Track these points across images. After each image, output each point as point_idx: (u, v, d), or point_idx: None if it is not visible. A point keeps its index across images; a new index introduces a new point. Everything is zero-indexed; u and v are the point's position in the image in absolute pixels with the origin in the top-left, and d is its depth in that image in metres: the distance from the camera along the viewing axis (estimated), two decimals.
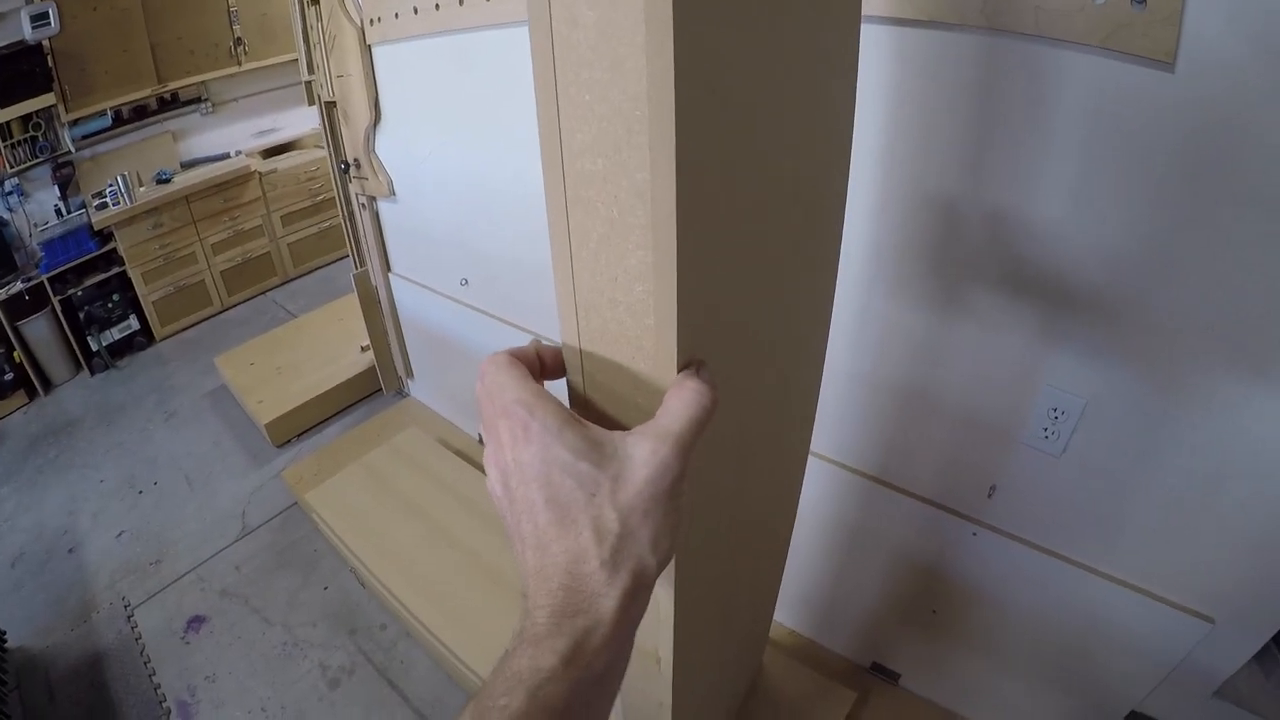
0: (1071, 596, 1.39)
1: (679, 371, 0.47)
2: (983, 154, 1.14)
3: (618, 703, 0.90)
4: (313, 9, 2.45)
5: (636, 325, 0.47)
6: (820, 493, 1.69)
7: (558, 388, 0.52)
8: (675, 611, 0.66)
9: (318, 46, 2.53)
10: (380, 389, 3.49)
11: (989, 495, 1.42)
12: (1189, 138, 0.94)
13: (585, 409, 0.53)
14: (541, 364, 0.50)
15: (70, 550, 2.99)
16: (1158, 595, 1.27)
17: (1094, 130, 1.02)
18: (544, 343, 0.51)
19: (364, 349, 3.46)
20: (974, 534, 1.47)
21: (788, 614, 2.03)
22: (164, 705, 2.25)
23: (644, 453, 0.41)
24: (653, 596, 0.62)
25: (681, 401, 0.43)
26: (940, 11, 1.07)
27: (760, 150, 0.54)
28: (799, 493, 1.29)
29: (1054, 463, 1.29)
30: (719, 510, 0.75)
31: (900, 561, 1.67)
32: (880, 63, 1.18)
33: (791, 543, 1.38)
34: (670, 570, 0.61)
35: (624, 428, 0.46)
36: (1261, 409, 1.05)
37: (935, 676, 1.80)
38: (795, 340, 0.88)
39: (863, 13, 1.07)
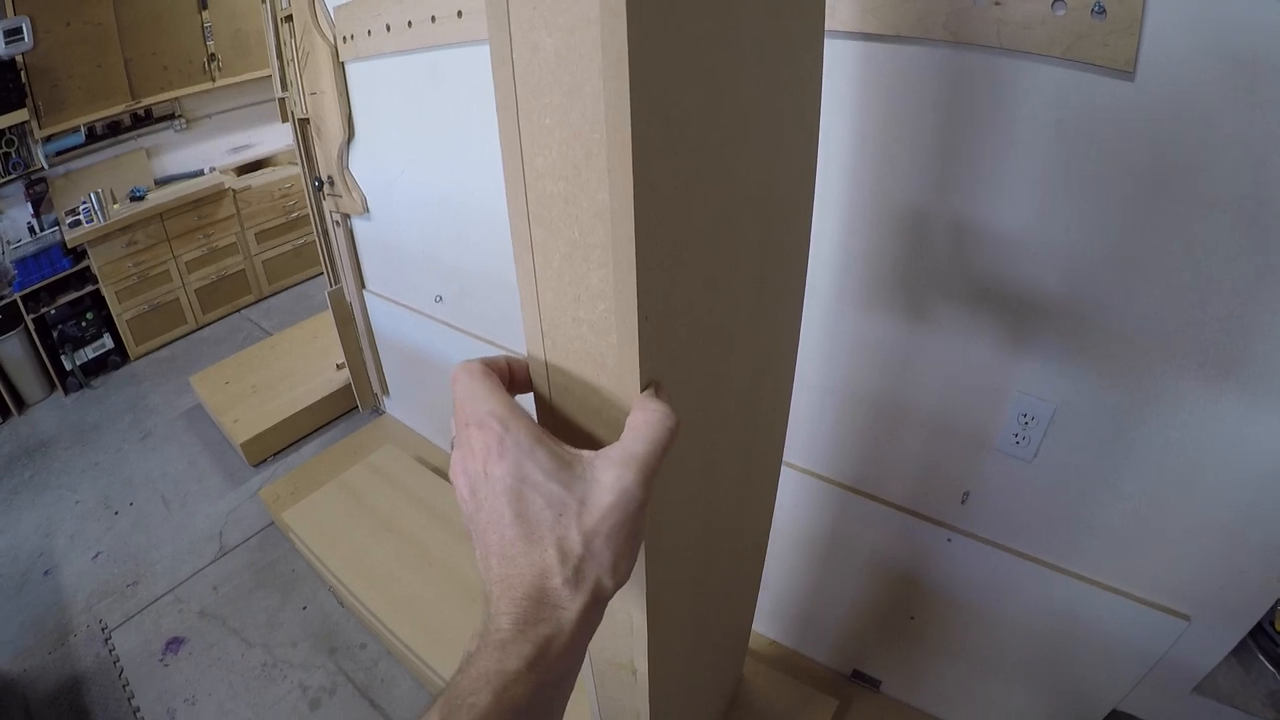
0: (1048, 599, 1.40)
1: (642, 389, 0.48)
2: (949, 166, 1.16)
3: (596, 715, 0.92)
4: (286, 26, 2.44)
5: (600, 342, 0.48)
6: (796, 503, 1.70)
7: (527, 401, 0.53)
8: (648, 623, 0.67)
9: (291, 63, 2.52)
10: (356, 406, 3.48)
11: (962, 502, 1.43)
12: (1150, 145, 0.96)
13: (553, 419, 0.54)
14: (512, 376, 0.51)
15: (46, 572, 2.96)
16: (1133, 595, 1.29)
17: (1057, 140, 1.04)
18: (515, 358, 0.52)
19: (339, 366, 3.44)
20: (949, 540, 1.48)
21: (768, 624, 2.04)
22: None
23: (610, 479, 0.43)
24: (626, 609, 0.64)
25: (646, 424, 0.45)
26: (905, 26, 1.08)
27: (721, 168, 0.55)
28: (773, 502, 1.29)
29: (1026, 468, 1.31)
30: (689, 521, 0.76)
31: (877, 569, 1.68)
32: (847, 77, 1.19)
33: (769, 553, 1.39)
34: (642, 582, 0.63)
35: (591, 440, 0.49)
36: (1228, 409, 1.07)
37: (916, 682, 1.81)
38: (763, 352, 0.89)
39: (829, 28, 1.12)
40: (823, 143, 1.18)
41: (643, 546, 0.58)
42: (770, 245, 0.76)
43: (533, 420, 0.46)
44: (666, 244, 0.47)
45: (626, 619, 0.69)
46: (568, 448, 0.45)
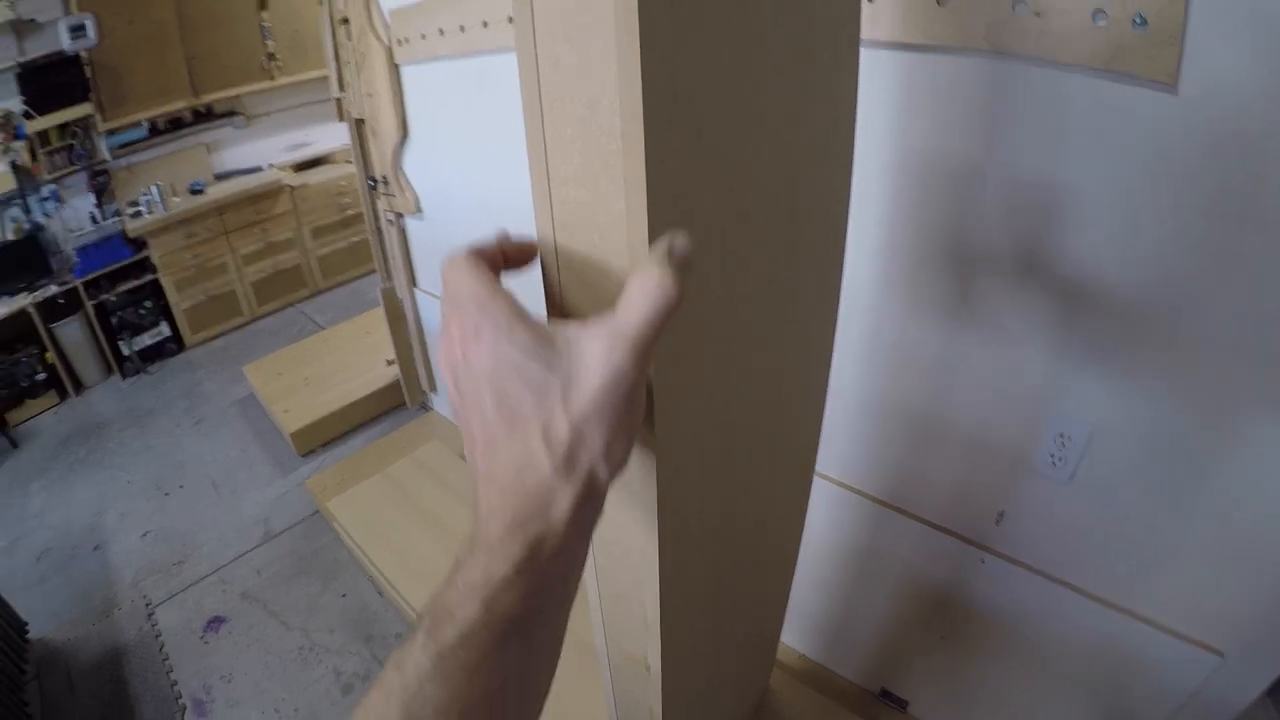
0: (1079, 626, 1.37)
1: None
2: (989, 178, 1.14)
3: (612, 712, 0.92)
4: (343, 28, 2.49)
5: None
6: (829, 516, 1.68)
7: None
8: (661, 619, 0.67)
9: (348, 64, 2.57)
10: (405, 403, 3.51)
11: (997, 522, 1.40)
12: (1195, 160, 0.93)
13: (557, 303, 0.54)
14: (505, 258, 0.48)
15: (96, 548, 3.06)
16: (1167, 627, 1.25)
17: (1099, 153, 1.02)
18: (509, 239, 0.49)
19: (389, 363, 3.48)
20: (982, 561, 1.45)
21: (797, 637, 2.02)
22: (180, 702, 2.30)
23: (598, 354, 0.38)
24: (640, 601, 0.64)
25: (642, 293, 0.39)
26: (946, 36, 1.07)
27: (741, 177, 0.56)
28: (804, 511, 1.29)
29: (1061, 490, 1.28)
30: (707, 518, 0.76)
31: (909, 587, 1.65)
32: (888, 88, 1.18)
33: (801, 565, 1.37)
34: (655, 571, 0.61)
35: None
36: (1270, 440, 1.03)
37: (943, 704, 1.78)
38: (790, 357, 0.90)
39: (872, 38, 1.12)
40: (865, 153, 1.15)
41: (657, 534, 0.56)
42: (799, 250, 0.77)
43: (512, 297, 0.42)
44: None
45: (641, 612, 0.69)
46: (552, 323, 0.42)
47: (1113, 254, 1.06)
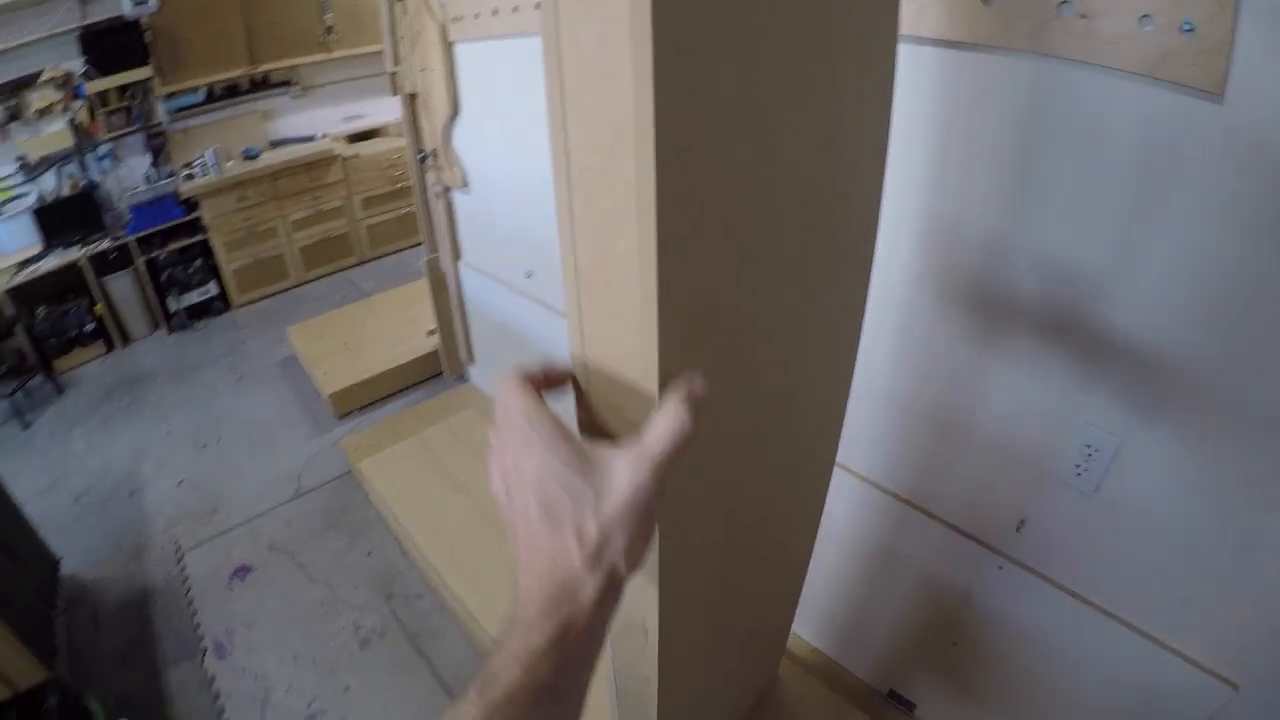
0: (1092, 644, 1.32)
1: (661, 375, 0.52)
2: (1028, 180, 1.11)
3: (611, 682, 0.92)
4: (399, 4, 2.53)
5: (625, 309, 0.52)
6: (852, 510, 1.66)
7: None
8: (660, 588, 0.70)
9: (403, 40, 2.61)
10: (442, 372, 3.55)
11: (1017, 529, 1.36)
12: (1241, 172, 0.89)
13: (587, 413, 0.60)
14: (546, 380, 0.56)
15: (131, 493, 3.11)
16: (1180, 652, 1.20)
17: (1140, 161, 0.98)
18: (551, 363, 0.58)
19: (430, 333, 3.51)
20: (1000, 567, 1.41)
21: (811, 629, 1.99)
22: (201, 644, 2.33)
23: (625, 473, 0.47)
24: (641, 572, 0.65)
25: (665, 426, 0.48)
26: (990, 35, 1.06)
27: (757, 158, 0.58)
28: (821, 504, 1.26)
29: (1084, 502, 1.24)
30: (714, 500, 0.78)
31: (925, 588, 1.62)
32: (930, 84, 1.16)
33: (820, 558, 1.35)
34: (655, 548, 0.65)
35: (619, 429, 0.56)
36: None
37: (950, 712, 1.73)
38: (809, 353, 0.88)
39: (916, 33, 1.11)
40: (904, 149, 1.18)
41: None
42: (822, 242, 0.77)
43: (558, 419, 0.50)
44: (690, 221, 0.51)
45: (640, 581, 0.71)
46: (589, 444, 0.50)
47: (1148, 270, 1.03)
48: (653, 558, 0.67)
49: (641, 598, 0.73)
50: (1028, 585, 1.38)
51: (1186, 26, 0.86)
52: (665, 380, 0.53)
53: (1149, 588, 1.22)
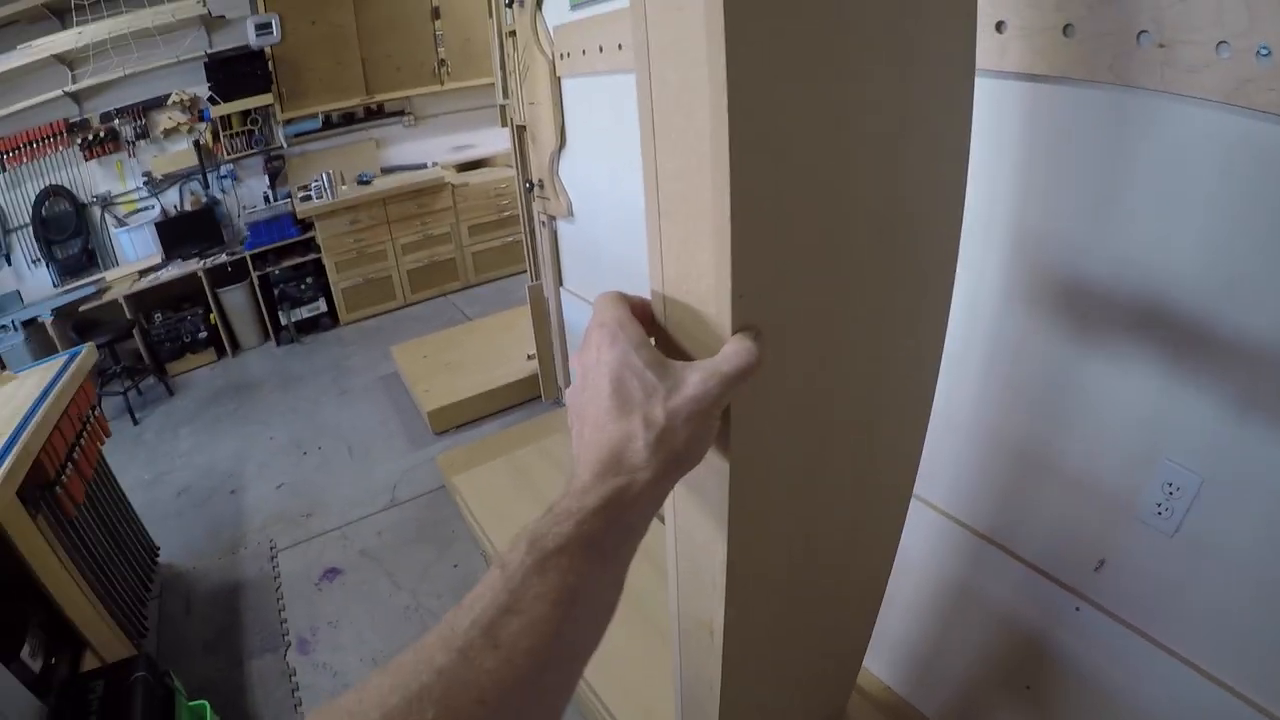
0: (1171, 694, 1.23)
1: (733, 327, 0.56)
2: (1112, 211, 1.08)
3: (677, 686, 0.97)
4: (510, 40, 2.60)
5: (704, 315, 0.58)
6: (929, 544, 1.60)
7: None
8: (727, 589, 0.73)
9: (513, 74, 2.68)
10: (540, 396, 3.54)
11: (1096, 569, 1.29)
12: None
13: (665, 346, 0.63)
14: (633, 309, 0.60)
15: (232, 492, 3.18)
16: (1264, 709, 1.11)
17: (1223, 190, 0.94)
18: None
19: (530, 357, 3.52)
20: (1077, 609, 1.34)
21: (882, 664, 1.91)
22: (286, 638, 2.32)
23: (696, 379, 0.51)
24: (711, 567, 0.73)
25: (735, 350, 0.53)
26: (1071, 68, 1.06)
27: (827, 183, 0.61)
28: (898, 534, 1.21)
29: (1166, 542, 1.16)
30: (782, 509, 0.80)
31: (1000, 627, 1.54)
32: (1014, 117, 1.16)
33: (896, 592, 1.30)
34: (724, 540, 0.69)
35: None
36: None
37: None
38: (888, 367, 0.88)
39: (999, 68, 1.14)
40: (988, 180, 1.22)
41: (727, 524, 0.67)
42: (897, 260, 0.78)
43: (643, 330, 0.55)
44: (763, 237, 0.55)
45: (711, 579, 0.74)
46: (666, 357, 0.54)
47: (1234, 298, 1.00)
48: (720, 555, 0.70)
49: (709, 596, 0.76)
50: (1105, 628, 1.30)
51: (1263, 51, 0.84)
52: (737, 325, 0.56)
53: (1233, 637, 1.14)
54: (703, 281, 0.56)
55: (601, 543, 0.46)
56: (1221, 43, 0.87)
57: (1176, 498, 1.13)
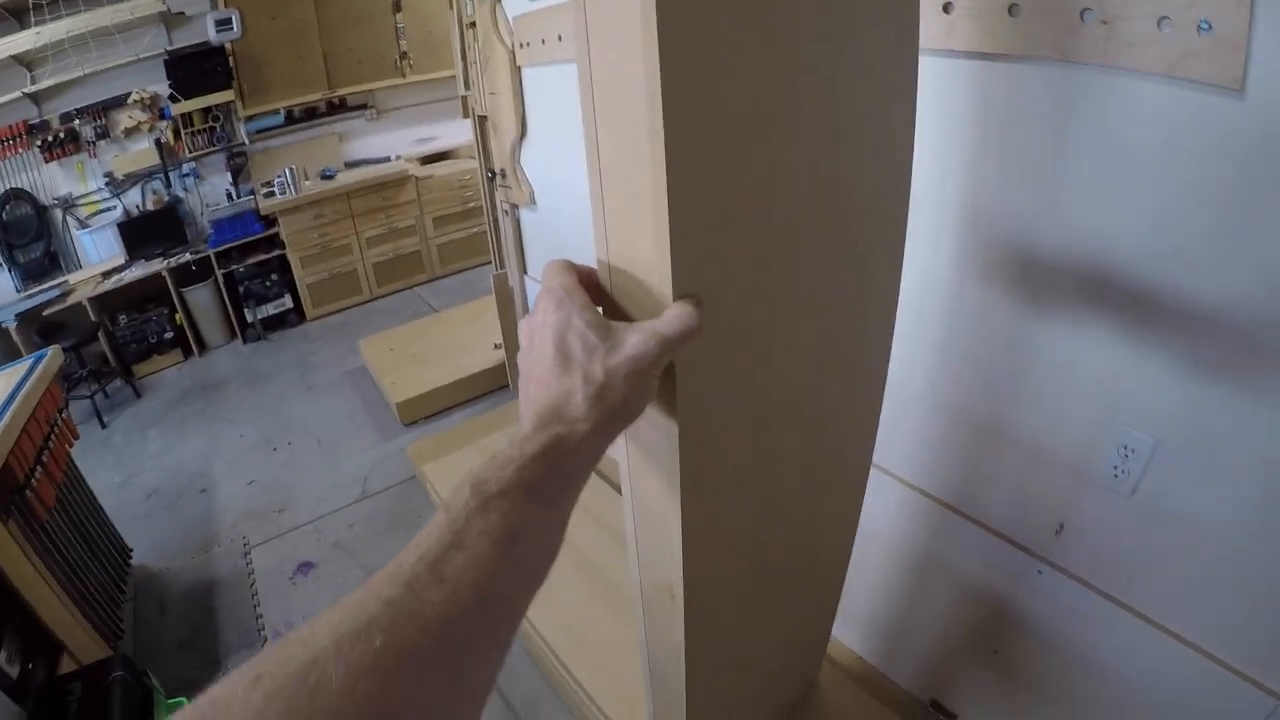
0: (1134, 651, 1.28)
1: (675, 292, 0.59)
2: (1060, 184, 1.12)
3: (644, 657, 0.98)
4: (470, 31, 2.62)
5: (643, 284, 0.61)
6: (893, 514, 1.65)
7: None
8: (684, 552, 0.75)
9: (474, 65, 2.70)
10: (508, 384, 3.57)
11: (1057, 533, 1.34)
12: (1266, 167, 0.89)
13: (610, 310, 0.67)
14: (581, 277, 0.63)
15: (203, 490, 3.19)
16: (1224, 662, 1.15)
17: (1167, 160, 0.98)
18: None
19: (496, 346, 3.55)
20: (1039, 572, 1.39)
21: (853, 635, 1.96)
22: (262, 634, 2.35)
23: (635, 339, 0.54)
24: (664, 534, 0.76)
25: (675, 315, 0.56)
26: (1017, 45, 1.09)
27: (765, 159, 0.65)
28: (858, 502, 1.25)
29: (1123, 504, 1.21)
30: (738, 476, 0.82)
31: (966, 594, 1.59)
32: (963, 94, 1.19)
33: (863, 564, 1.34)
34: (677, 502, 0.71)
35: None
36: None
37: None
38: (838, 336, 0.90)
39: (948, 47, 1.17)
40: (940, 158, 1.26)
41: (679, 492, 0.70)
42: (842, 230, 0.80)
43: (588, 296, 0.58)
44: (700, 208, 0.58)
45: (667, 542, 0.76)
46: (609, 320, 0.57)
47: (1179, 264, 1.03)
48: (675, 515, 0.72)
49: (667, 559, 0.78)
50: (1068, 590, 1.35)
51: (1204, 26, 0.87)
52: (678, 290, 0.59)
53: (1190, 594, 1.19)
54: (643, 251, 0.58)
55: (541, 488, 0.48)
56: (1163, 18, 0.89)
57: (1132, 460, 1.16)
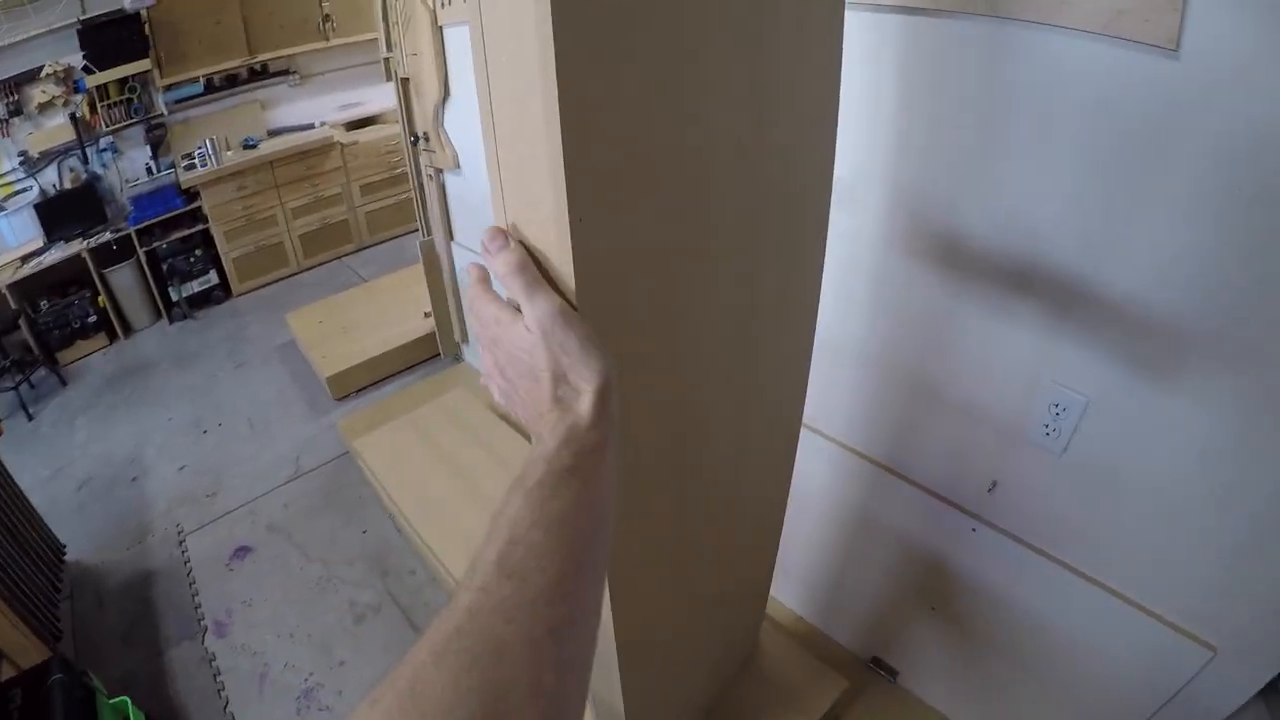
0: (1068, 605, 1.33)
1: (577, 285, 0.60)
2: (992, 142, 1.12)
3: None
4: None
5: (544, 240, 0.60)
6: (828, 475, 1.68)
7: None
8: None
9: (396, 25, 2.65)
10: (439, 353, 3.59)
11: (989, 490, 1.38)
12: (1199, 127, 0.90)
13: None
14: (487, 250, 0.65)
15: (134, 479, 3.18)
16: (1157, 614, 1.21)
17: (1100, 119, 0.99)
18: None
19: (426, 315, 3.55)
20: (973, 530, 1.43)
21: (793, 597, 2.02)
22: (202, 623, 2.40)
23: (537, 339, 0.57)
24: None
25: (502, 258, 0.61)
26: (947, 0, 1.07)
27: (672, 112, 0.63)
28: (790, 464, 1.28)
29: (1054, 462, 1.25)
30: (656, 445, 0.83)
31: (902, 553, 1.64)
32: (892, 51, 1.18)
33: (800, 526, 1.36)
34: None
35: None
36: (1274, 423, 0.98)
37: (932, 678, 1.76)
38: (762, 294, 0.90)
39: (872, 1, 1.14)
40: (870, 115, 1.24)
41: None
42: (762, 189, 0.79)
43: (511, 309, 0.60)
44: (600, 159, 0.57)
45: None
46: (524, 323, 0.59)
47: (1109, 225, 1.04)
48: None
49: None
50: (1001, 548, 1.40)
51: None
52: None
53: (1122, 549, 1.23)
54: (542, 208, 0.58)
55: (574, 465, 0.53)
56: None
57: (1063, 418, 1.19)
